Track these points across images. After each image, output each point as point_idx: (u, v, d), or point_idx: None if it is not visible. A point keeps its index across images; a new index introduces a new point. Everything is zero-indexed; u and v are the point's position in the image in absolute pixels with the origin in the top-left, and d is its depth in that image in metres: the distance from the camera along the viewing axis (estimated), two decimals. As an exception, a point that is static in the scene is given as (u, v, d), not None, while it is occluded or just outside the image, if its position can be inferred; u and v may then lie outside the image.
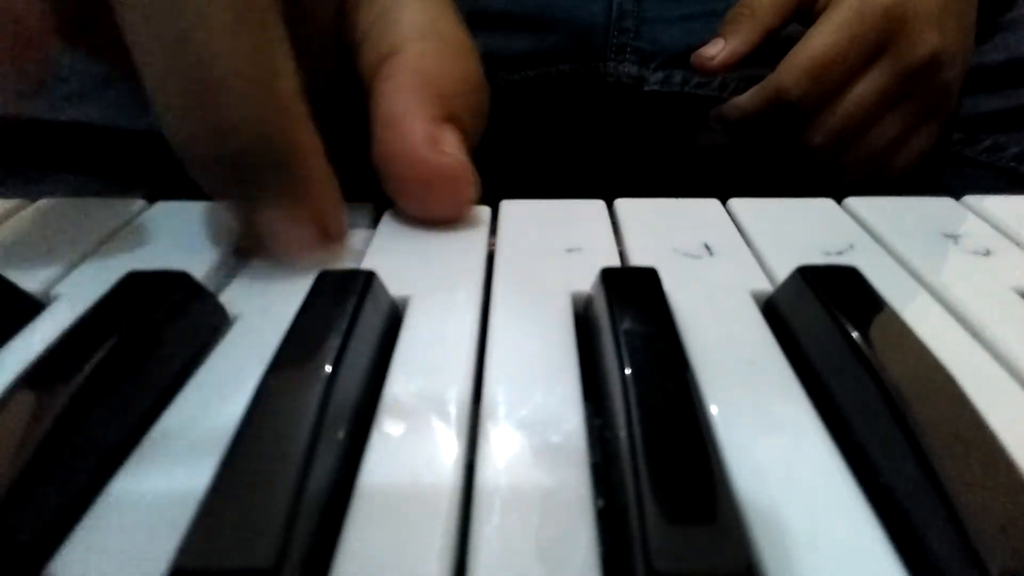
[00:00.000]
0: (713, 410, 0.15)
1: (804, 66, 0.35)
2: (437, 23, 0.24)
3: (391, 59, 0.23)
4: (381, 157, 0.22)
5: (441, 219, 0.24)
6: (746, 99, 0.38)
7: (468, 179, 0.23)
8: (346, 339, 0.15)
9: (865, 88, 0.36)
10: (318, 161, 0.20)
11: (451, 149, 0.22)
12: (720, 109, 0.39)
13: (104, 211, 0.25)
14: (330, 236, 0.21)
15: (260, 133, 0.18)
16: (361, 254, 0.23)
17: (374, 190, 0.24)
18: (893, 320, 0.17)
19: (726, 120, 0.39)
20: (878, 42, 0.35)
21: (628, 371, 0.14)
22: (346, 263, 0.22)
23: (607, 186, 0.31)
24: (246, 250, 0.23)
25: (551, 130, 0.46)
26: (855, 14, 0.34)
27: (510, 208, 0.25)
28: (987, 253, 0.22)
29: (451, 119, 0.23)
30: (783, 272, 0.19)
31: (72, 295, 0.20)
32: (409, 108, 0.22)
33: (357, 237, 0.24)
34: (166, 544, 0.12)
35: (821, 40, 0.35)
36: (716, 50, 0.37)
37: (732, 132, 0.39)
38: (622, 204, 0.25)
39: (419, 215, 0.24)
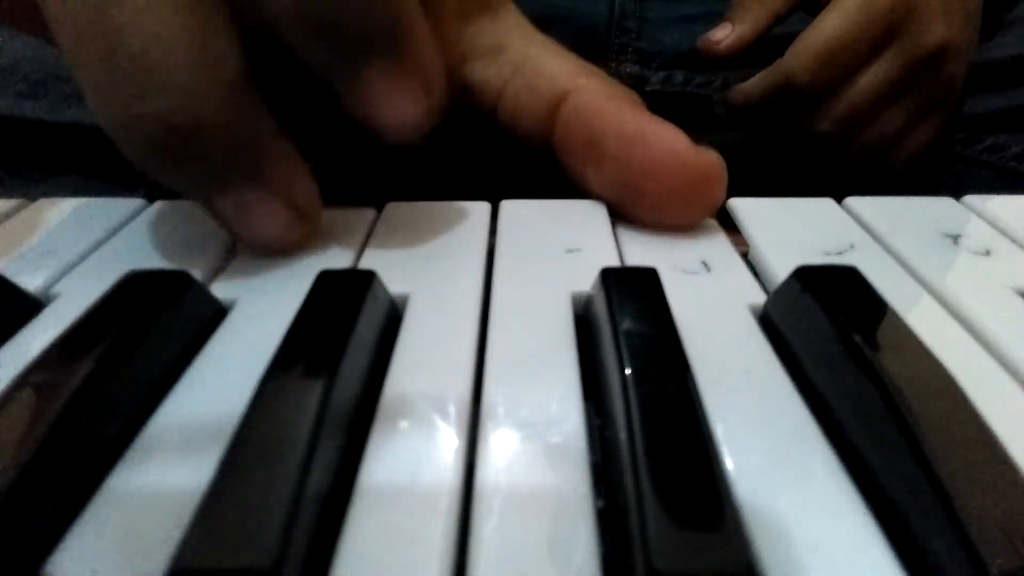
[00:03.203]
0: (713, 408, 0.15)
1: (813, 51, 0.35)
2: (579, 63, 0.25)
3: (572, 96, 0.23)
4: (638, 172, 0.22)
5: (694, 221, 0.23)
6: (753, 84, 0.38)
7: (725, 176, 0.23)
8: (346, 339, 0.15)
9: (872, 76, 0.36)
10: (276, 142, 0.20)
11: (702, 148, 0.22)
12: (726, 94, 0.39)
13: (104, 211, 0.25)
14: (303, 216, 0.21)
15: (196, 114, 0.18)
16: (360, 253, 0.23)
17: (374, 191, 0.24)
18: (893, 320, 0.17)
19: (732, 105, 0.39)
20: (886, 31, 0.35)
21: (628, 371, 0.14)
22: (345, 261, 0.22)
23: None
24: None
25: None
26: (865, 2, 0.34)
27: (510, 208, 0.25)
28: (987, 253, 0.22)
29: None
30: (783, 272, 0.19)
31: (72, 295, 0.20)
32: (647, 121, 0.22)
33: (357, 236, 0.24)
34: (164, 539, 0.12)
35: (830, 26, 0.35)
36: (723, 34, 0.37)
37: (738, 117, 0.39)
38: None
39: (675, 220, 0.23)
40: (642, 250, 0.23)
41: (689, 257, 0.22)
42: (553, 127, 0.24)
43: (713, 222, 0.25)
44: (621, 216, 0.24)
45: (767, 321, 0.19)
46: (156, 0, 0.17)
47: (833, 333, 0.16)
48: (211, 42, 0.18)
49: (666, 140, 0.22)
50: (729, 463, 0.14)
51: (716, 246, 0.23)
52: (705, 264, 0.22)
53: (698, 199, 0.22)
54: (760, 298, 0.20)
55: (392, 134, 0.20)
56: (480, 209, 0.25)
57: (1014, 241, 0.23)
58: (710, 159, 0.22)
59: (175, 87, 0.17)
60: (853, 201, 0.26)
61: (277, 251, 0.21)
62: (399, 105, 0.20)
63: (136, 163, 0.19)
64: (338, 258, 0.22)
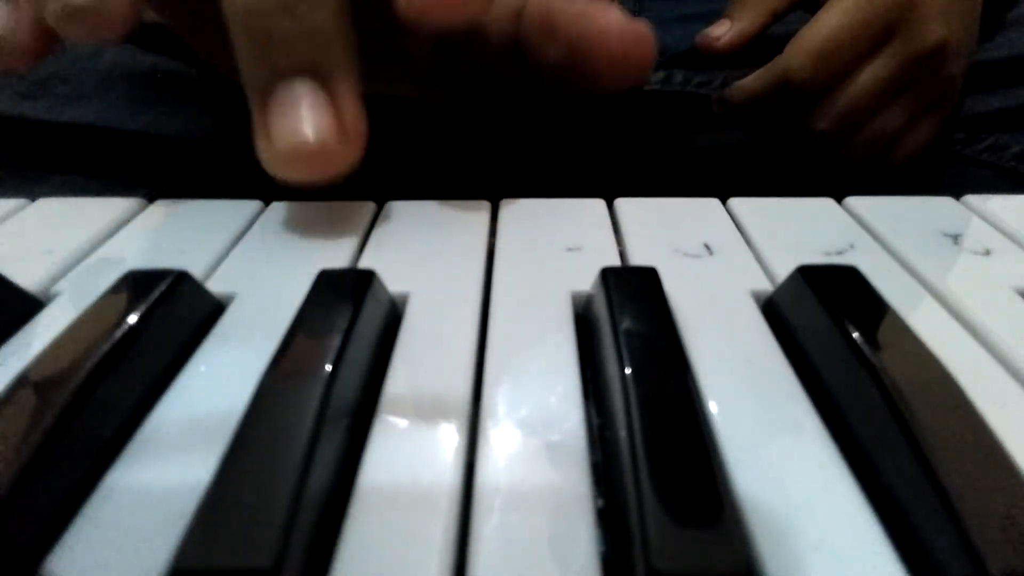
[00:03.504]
0: (713, 410, 0.15)
1: (812, 49, 0.35)
2: None
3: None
4: (584, 41, 0.25)
5: (632, 80, 0.26)
6: (751, 81, 0.37)
7: (652, 40, 0.25)
8: (346, 339, 0.15)
9: (871, 74, 0.36)
10: (353, 54, 0.21)
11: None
12: (724, 92, 0.39)
13: (104, 211, 0.25)
14: (346, 134, 0.21)
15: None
16: (360, 250, 0.23)
17: (374, 190, 0.24)
18: (893, 320, 0.17)
19: (730, 103, 0.39)
20: (886, 29, 0.35)
21: (628, 371, 0.14)
22: (344, 258, 0.22)
23: (607, 186, 0.31)
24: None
25: (551, 129, 0.46)
26: (864, 0, 0.34)
27: (510, 208, 0.25)
28: (987, 253, 0.22)
29: None
30: (783, 272, 0.19)
31: (72, 294, 0.20)
32: (590, 4, 0.25)
33: (356, 232, 0.24)
34: (162, 537, 0.12)
35: (829, 23, 0.35)
36: (722, 31, 0.37)
37: (735, 115, 0.39)
38: (622, 204, 0.25)
39: (617, 78, 0.26)
40: (644, 233, 0.23)
41: (691, 240, 0.22)
42: (520, 23, 0.27)
43: (717, 205, 0.25)
44: (575, 92, 0.27)
45: (770, 319, 0.19)
46: None
47: (833, 333, 0.16)
48: None
49: (603, 14, 0.25)
50: (730, 458, 0.14)
51: (719, 229, 0.23)
52: (708, 247, 0.22)
53: (633, 58, 0.25)
54: (762, 282, 0.20)
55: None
56: (480, 208, 0.25)
57: (1014, 241, 0.23)
58: (638, 26, 0.25)
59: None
60: (853, 201, 0.26)
61: (305, 172, 0.21)
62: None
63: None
64: (337, 255, 0.22)
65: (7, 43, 0.22)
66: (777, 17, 0.37)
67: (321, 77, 0.21)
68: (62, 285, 0.21)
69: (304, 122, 0.20)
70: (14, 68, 0.23)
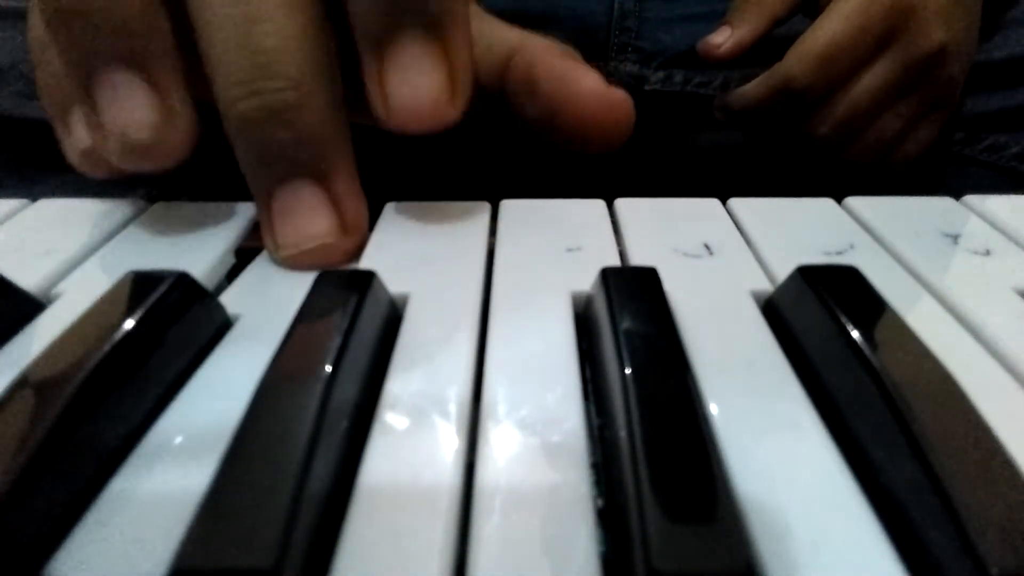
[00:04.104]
0: (713, 410, 0.15)
1: (812, 55, 0.35)
2: (523, 30, 0.28)
3: (521, 50, 0.27)
4: (565, 104, 0.25)
5: (611, 145, 0.26)
6: (752, 87, 0.37)
7: (632, 108, 0.25)
8: (346, 339, 0.15)
9: (872, 79, 0.36)
10: (348, 150, 0.22)
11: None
12: (725, 98, 0.39)
13: (104, 211, 0.25)
14: (347, 229, 0.22)
15: (309, 119, 0.20)
16: (360, 252, 0.23)
17: (373, 189, 0.24)
18: (893, 320, 0.17)
19: (731, 109, 0.39)
20: (886, 33, 0.35)
21: (628, 371, 0.14)
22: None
23: (607, 186, 0.31)
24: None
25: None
26: (864, 5, 0.34)
27: (510, 208, 0.25)
28: (987, 253, 0.22)
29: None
30: (783, 272, 0.19)
31: (72, 295, 0.20)
32: (570, 65, 0.25)
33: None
34: (166, 543, 0.12)
35: (830, 29, 0.35)
36: (723, 38, 0.37)
37: (736, 121, 0.39)
38: (622, 204, 0.25)
39: (596, 143, 0.26)
40: (644, 233, 0.23)
41: (691, 240, 0.22)
42: (505, 75, 0.27)
43: (717, 205, 0.25)
44: (553, 147, 0.27)
45: (770, 319, 0.19)
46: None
47: (833, 333, 0.16)
48: (330, 56, 0.21)
49: (588, 77, 0.25)
50: (729, 458, 0.14)
51: (719, 229, 0.23)
52: (707, 247, 0.22)
53: (608, 125, 0.25)
54: (762, 282, 0.20)
55: (402, 118, 0.21)
56: (480, 209, 0.25)
57: (1014, 241, 0.23)
58: (615, 94, 0.25)
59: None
60: (853, 201, 0.26)
61: (311, 267, 0.21)
62: (420, 85, 0.21)
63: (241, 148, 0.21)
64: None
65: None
66: (778, 23, 0.37)
67: (319, 177, 0.21)
68: (62, 286, 0.21)
69: (306, 225, 0.21)
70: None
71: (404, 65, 0.21)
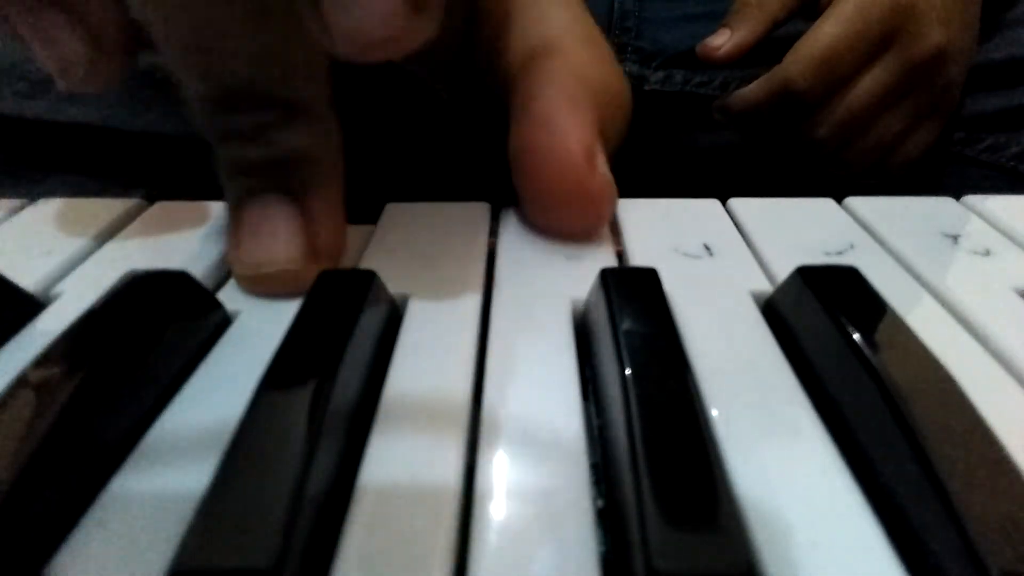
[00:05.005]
0: (713, 410, 0.15)
1: (811, 58, 0.35)
2: (587, 25, 0.24)
3: (548, 57, 0.23)
4: (526, 153, 0.22)
5: (572, 234, 0.23)
6: (751, 90, 0.38)
7: (613, 200, 0.22)
8: (346, 339, 0.15)
9: (871, 82, 0.36)
10: (333, 162, 0.20)
11: (602, 168, 0.21)
12: (724, 100, 0.39)
13: (104, 211, 0.25)
14: (317, 254, 0.20)
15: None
16: (361, 253, 0.23)
17: (373, 189, 0.24)
18: (893, 320, 0.17)
19: (730, 112, 0.39)
20: (884, 36, 0.35)
21: (628, 371, 0.14)
22: (346, 262, 0.22)
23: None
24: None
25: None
26: (862, 8, 0.34)
27: (511, 208, 0.25)
28: (987, 253, 0.22)
29: (602, 132, 0.22)
30: (783, 272, 0.19)
31: (72, 295, 0.20)
32: (571, 117, 0.21)
33: (357, 235, 0.24)
34: (166, 544, 0.12)
35: (829, 32, 0.35)
36: (722, 40, 0.37)
37: (736, 124, 0.39)
38: (623, 205, 0.25)
39: (550, 226, 0.23)
40: (644, 234, 0.23)
41: (691, 241, 0.22)
42: (520, 77, 0.23)
43: (717, 205, 0.25)
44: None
45: (770, 320, 0.19)
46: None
47: (833, 333, 0.16)
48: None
49: (571, 144, 0.21)
50: (730, 459, 0.14)
51: (719, 229, 0.23)
52: (707, 247, 0.22)
53: (577, 212, 0.22)
54: (762, 283, 0.20)
55: (352, 41, 0.15)
56: (480, 210, 0.25)
57: (1014, 241, 0.23)
58: (601, 180, 0.22)
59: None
60: (853, 201, 0.26)
61: (268, 291, 0.20)
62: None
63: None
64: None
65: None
66: (777, 25, 0.37)
67: (294, 196, 0.20)
68: (62, 286, 0.21)
69: (271, 244, 0.19)
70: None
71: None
